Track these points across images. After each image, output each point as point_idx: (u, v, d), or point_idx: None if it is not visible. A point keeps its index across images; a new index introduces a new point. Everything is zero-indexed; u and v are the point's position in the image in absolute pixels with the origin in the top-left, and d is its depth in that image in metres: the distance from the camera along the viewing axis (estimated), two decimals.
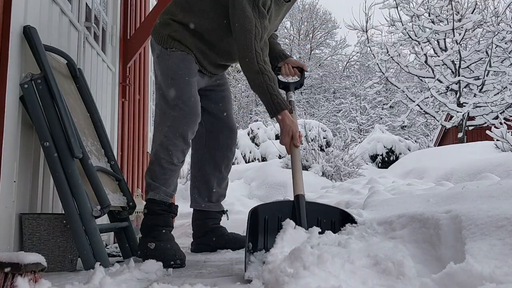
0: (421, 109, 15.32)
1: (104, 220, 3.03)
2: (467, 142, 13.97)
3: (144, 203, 2.51)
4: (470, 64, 15.75)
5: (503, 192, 1.81)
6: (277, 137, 16.62)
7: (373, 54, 15.73)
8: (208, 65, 2.63)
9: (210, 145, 2.85)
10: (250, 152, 15.55)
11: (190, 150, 2.77)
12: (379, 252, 1.52)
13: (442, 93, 15.66)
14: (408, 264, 1.40)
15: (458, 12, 15.28)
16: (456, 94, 15.34)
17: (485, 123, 14.60)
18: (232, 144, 2.87)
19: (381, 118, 25.22)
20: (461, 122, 14.56)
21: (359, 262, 1.43)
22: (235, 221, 3.46)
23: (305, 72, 2.59)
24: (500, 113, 13.74)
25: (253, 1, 2.33)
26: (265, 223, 1.97)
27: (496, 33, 14.64)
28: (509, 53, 15.10)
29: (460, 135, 14.68)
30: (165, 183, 2.46)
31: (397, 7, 15.61)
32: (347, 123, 24.51)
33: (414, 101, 15.04)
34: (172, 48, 2.50)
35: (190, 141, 2.56)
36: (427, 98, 14.96)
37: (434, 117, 15.48)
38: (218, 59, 2.64)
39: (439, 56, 15.34)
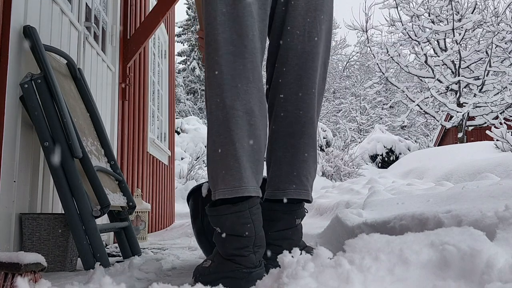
0: (421, 109, 15.33)
1: (104, 220, 3.03)
2: (467, 142, 13.98)
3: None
4: (470, 64, 15.76)
5: (503, 192, 1.81)
6: None
7: (373, 54, 15.73)
8: None
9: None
10: None
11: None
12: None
13: (442, 93, 15.68)
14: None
15: (458, 12, 15.29)
16: (456, 94, 15.35)
17: (485, 123, 14.61)
18: None
19: (381, 118, 25.24)
20: (461, 122, 14.57)
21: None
22: None
23: None
24: (500, 113, 13.75)
25: None
26: None
27: (496, 33, 14.64)
28: (509, 53, 15.10)
29: (460, 135, 14.69)
30: None
31: (397, 7, 15.61)
32: (347, 123, 24.53)
33: (414, 101, 15.05)
34: None
35: None
36: (427, 98, 14.97)
37: (434, 117, 15.50)
38: None
39: (439, 56, 15.35)
